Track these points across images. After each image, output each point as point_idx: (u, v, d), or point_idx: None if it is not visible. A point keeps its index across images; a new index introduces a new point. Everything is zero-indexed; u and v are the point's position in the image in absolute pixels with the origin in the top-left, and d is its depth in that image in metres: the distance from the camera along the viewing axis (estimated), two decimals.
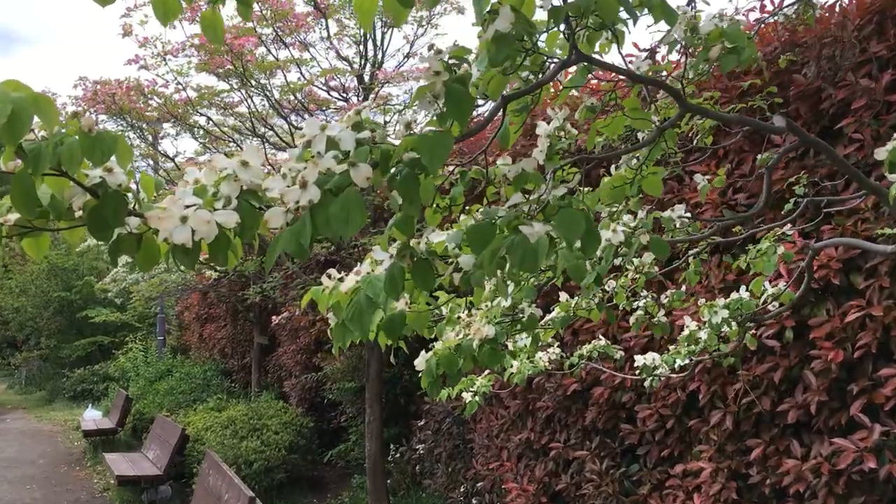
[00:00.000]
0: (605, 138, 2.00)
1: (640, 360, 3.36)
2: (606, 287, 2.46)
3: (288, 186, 1.04)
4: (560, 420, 5.13)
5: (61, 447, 13.00)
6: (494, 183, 1.48)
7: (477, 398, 3.95)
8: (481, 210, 1.30)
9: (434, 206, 1.43)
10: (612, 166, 2.02)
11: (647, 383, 3.37)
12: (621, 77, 1.75)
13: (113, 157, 1.08)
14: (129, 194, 1.10)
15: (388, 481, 7.39)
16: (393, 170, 1.10)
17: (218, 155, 1.12)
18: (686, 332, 2.82)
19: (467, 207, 1.46)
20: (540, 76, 1.45)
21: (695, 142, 2.48)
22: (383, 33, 6.94)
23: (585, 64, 1.52)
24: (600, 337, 3.63)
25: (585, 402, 4.88)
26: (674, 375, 3.31)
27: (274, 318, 9.40)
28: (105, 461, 8.90)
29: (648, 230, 1.91)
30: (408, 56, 6.50)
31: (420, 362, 1.86)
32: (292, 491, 8.13)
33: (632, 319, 2.77)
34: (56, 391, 20.06)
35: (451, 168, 1.52)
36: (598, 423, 4.79)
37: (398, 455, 7.76)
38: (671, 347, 3.29)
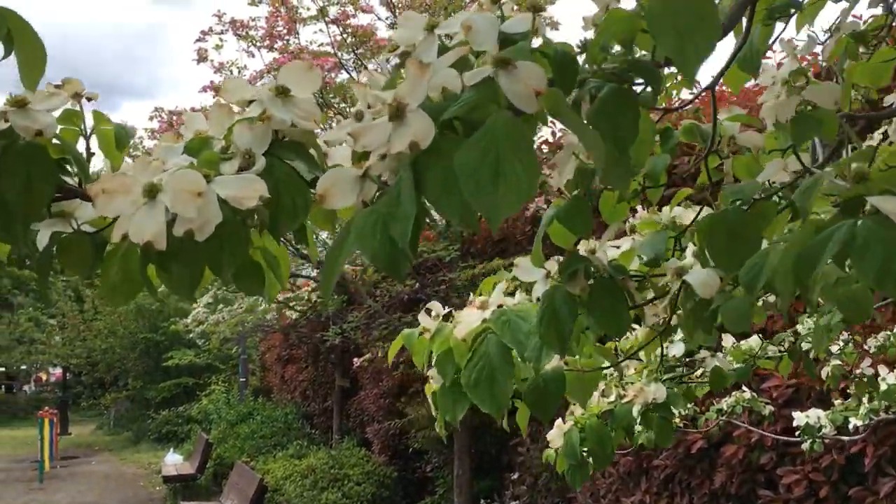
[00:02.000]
0: None
1: (799, 417, 2.70)
2: (799, 327, 1.84)
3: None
4: (681, 482, 4.44)
5: (142, 493, 12.79)
6: (720, 149, 0.89)
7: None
8: (730, 188, 0.75)
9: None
10: None
11: (805, 446, 2.71)
12: None
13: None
14: (71, 156, 0.58)
15: None
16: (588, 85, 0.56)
17: (235, 78, 0.59)
18: (883, 385, 2.16)
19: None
20: None
21: None
22: None
23: None
24: (744, 388, 2.99)
25: (713, 461, 4.20)
26: (845, 438, 2.64)
27: (355, 360, 8.96)
28: None
29: None
30: None
31: (555, 436, 1.30)
32: None
33: (825, 372, 2.13)
34: (142, 432, 20.10)
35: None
36: (729, 488, 4.09)
37: None
38: (837, 402, 2.64)
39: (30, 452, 19.04)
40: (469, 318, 0.88)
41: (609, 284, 0.76)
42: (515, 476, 6.86)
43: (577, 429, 1.28)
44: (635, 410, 1.25)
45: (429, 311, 1.01)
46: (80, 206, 0.60)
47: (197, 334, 12.02)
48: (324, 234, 6.74)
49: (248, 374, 15.95)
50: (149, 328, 19.76)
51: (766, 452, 3.84)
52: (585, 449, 1.27)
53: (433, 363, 0.98)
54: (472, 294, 1.00)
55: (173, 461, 12.51)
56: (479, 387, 0.82)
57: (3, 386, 41.51)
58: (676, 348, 1.31)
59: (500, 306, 0.85)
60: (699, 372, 1.42)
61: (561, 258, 0.83)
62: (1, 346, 30.92)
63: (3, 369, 35.67)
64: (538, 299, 0.79)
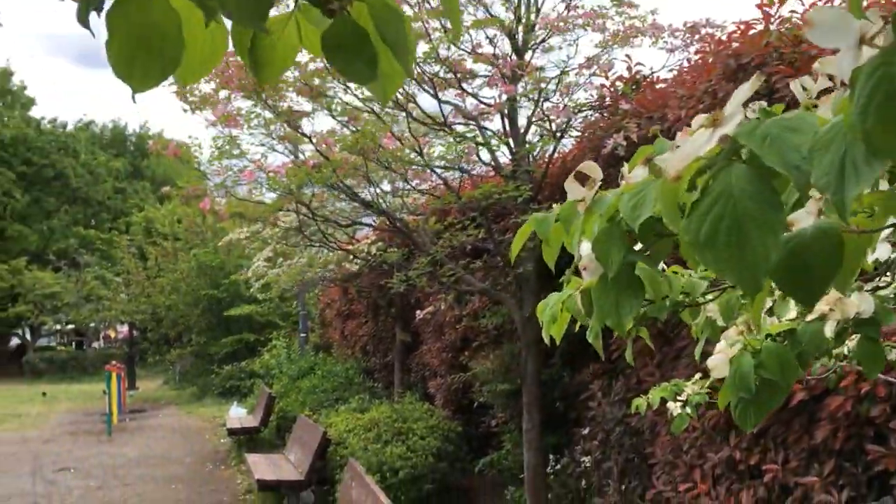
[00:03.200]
0: None
1: None
2: None
3: None
4: (776, 437, 4.11)
5: (208, 445, 12.94)
6: None
7: (688, 410, 3.05)
8: None
9: None
10: None
11: None
12: None
13: None
14: None
15: (549, 496, 6.55)
16: None
17: None
18: None
19: None
20: None
21: None
22: None
23: None
24: None
25: (812, 415, 3.86)
26: None
27: (418, 312, 8.77)
28: (248, 463, 8.52)
29: None
30: (568, 8, 5.61)
31: (718, 363, 1.02)
32: (441, 502, 7.43)
33: None
34: (206, 387, 20.45)
35: None
36: (831, 443, 3.75)
37: (558, 467, 6.89)
38: None
39: (99, 406, 19.54)
40: (688, 147, 0.60)
41: None
42: (586, 431, 6.60)
43: (749, 354, 1.00)
44: (828, 329, 0.96)
45: (581, 177, 0.73)
46: None
47: (257, 289, 11.99)
48: None
49: (308, 330, 15.96)
50: (210, 284, 19.97)
51: (879, 404, 3.49)
52: (757, 378, 0.99)
53: (591, 245, 0.71)
54: None
55: (237, 414, 12.61)
56: (717, 245, 0.54)
57: (73, 342, 42.92)
58: (881, 250, 0.98)
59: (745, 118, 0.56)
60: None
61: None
62: (70, 304, 31.83)
63: (72, 326, 36.78)
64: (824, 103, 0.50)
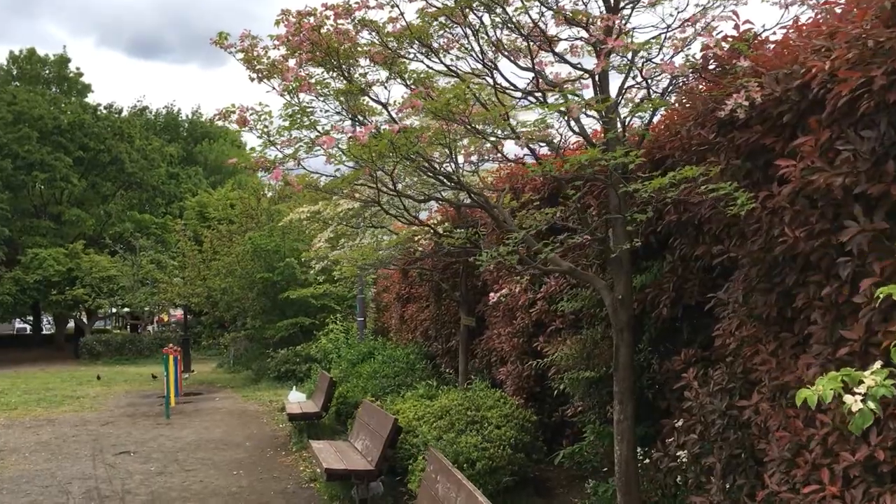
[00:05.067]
0: None
1: None
2: None
3: None
4: None
5: (266, 429, 12.73)
6: None
7: (871, 405, 2.57)
8: None
9: None
10: None
11: None
12: None
13: None
14: None
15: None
16: None
17: None
18: None
19: None
20: None
21: None
22: None
23: None
24: None
25: None
26: None
27: (491, 295, 8.32)
28: (312, 450, 8.21)
29: None
30: None
31: None
32: (518, 495, 7.02)
33: None
34: (261, 371, 20.35)
35: None
36: None
37: (646, 461, 6.41)
38: None
39: (155, 388, 19.59)
40: None
41: None
42: (680, 423, 6.11)
43: None
44: None
45: None
46: None
47: (316, 271, 11.68)
48: None
49: (365, 314, 15.66)
50: (265, 268, 19.81)
51: None
52: None
53: None
54: None
55: (297, 399, 12.35)
56: None
57: (128, 325, 43.58)
58: None
59: None
60: None
61: None
62: (125, 287, 32.17)
63: (127, 310, 37.25)
64: None
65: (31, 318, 42.08)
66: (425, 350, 12.34)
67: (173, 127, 51.91)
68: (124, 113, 43.63)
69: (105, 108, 41.80)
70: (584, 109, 4.75)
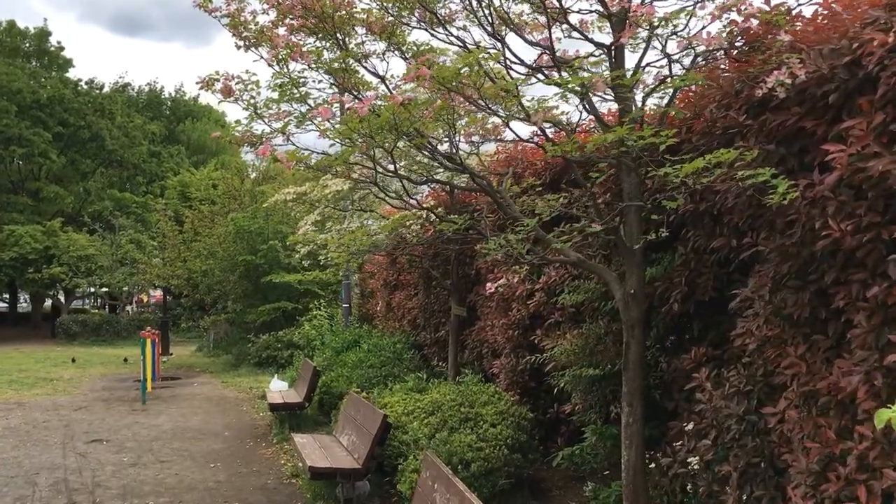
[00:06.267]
0: None
1: None
2: None
3: None
4: None
5: (246, 418, 12.27)
6: None
7: None
8: None
9: None
10: None
11: None
12: None
13: None
14: None
15: None
16: None
17: None
18: None
19: None
20: None
21: None
22: None
23: None
24: None
25: None
26: None
27: (489, 285, 7.91)
28: (294, 444, 7.77)
29: None
30: None
31: None
32: (513, 498, 6.62)
33: None
34: (242, 356, 19.86)
35: None
36: None
37: (651, 465, 6.03)
38: None
39: (132, 372, 19.06)
40: None
41: None
42: (689, 427, 5.72)
43: None
44: None
45: None
46: None
47: (302, 255, 11.22)
48: None
49: (351, 300, 15.19)
50: (248, 250, 19.28)
51: None
52: None
53: None
54: None
55: (278, 388, 11.90)
56: None
57: (106, 306, 42.86)
58: None
59: None
60: None
61: None
62: (104, 267, 31.50)
63: (106, 290, 36.54)
64: None
65: (6, 296, 41.25)
66: (413, 339, 11.92)
67: (156, 105, 50.96)
68: (106, 89, 42.64)
69: (86, 83, 40.89)
70: (607, 85, 4.31)
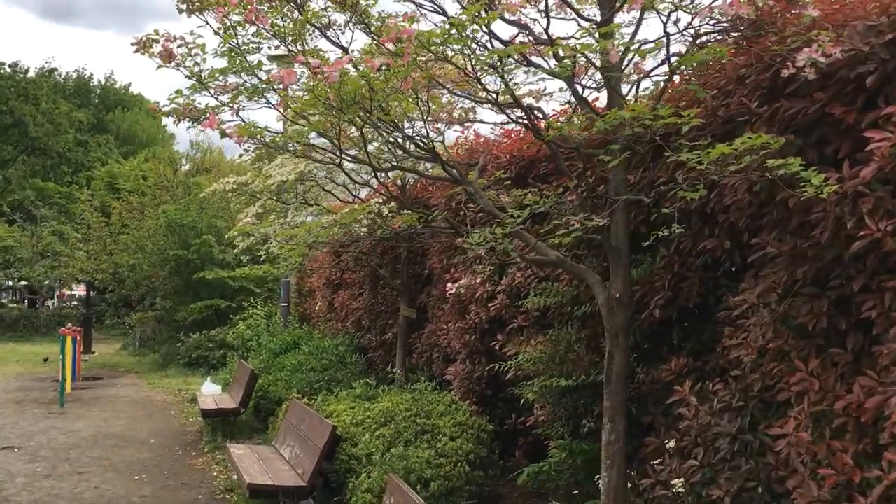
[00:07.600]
0: None
1: None
2: None
3: None
4: None
5: (174, 423, 11.43)
6: None
7: None
8: None
9: None
10: None
11: None
12: None
13: None
14: None
15: None
16: None
17: None
18: None
19: None
20: None
21: None
22: None
23: None
24: None
25: None
26: None
27: (449, 286, 7.36)
28: (230, 455, 7.08)
29: None
30: None
31: None
32: None
33: None
34: (170, 356, 18.85)
35: None
36: None
37: (627, 485, 5.55)
38: None
39: (51, 371, 17.88)
40: None
41: None
42: (671, 444, 5.26)
43: None
44: None
45: None
46: None
47: (241, 250, 10.49)
48: None
49: (290, 299, 14.43)
50: (179, 244, 18.29)
51: None
52: None
53: None
54: None
55: (211, 392, 11.11)
56: None
57: (25, 300, 40.80)
58: None
59: None
60: None
61: None
62: (23, 259, 29.89)
63: (25, 283, 34.73)
64: None
65: None
66: (357, 342, 11.28)
67: (84, 92, 48.90)
68: (31, 74, 40.62)
69: (9, 66, 38.85)
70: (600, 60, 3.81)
